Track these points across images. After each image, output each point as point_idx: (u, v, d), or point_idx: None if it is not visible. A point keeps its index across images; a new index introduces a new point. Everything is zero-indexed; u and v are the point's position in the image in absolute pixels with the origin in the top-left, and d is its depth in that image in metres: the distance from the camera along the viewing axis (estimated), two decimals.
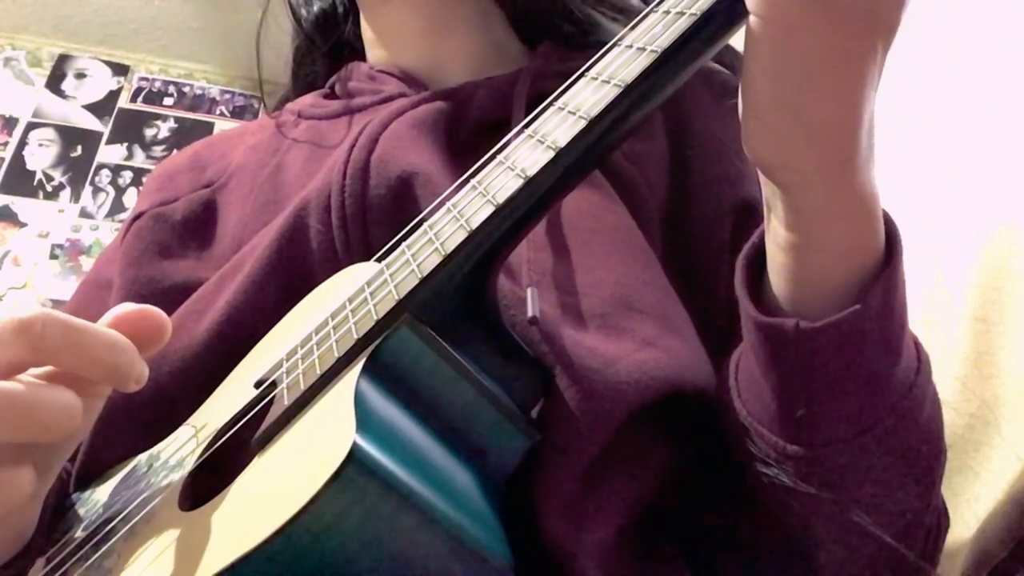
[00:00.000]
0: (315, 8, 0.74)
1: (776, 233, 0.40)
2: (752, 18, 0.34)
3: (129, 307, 0.39)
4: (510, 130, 0.45)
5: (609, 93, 0.38)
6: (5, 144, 2.25)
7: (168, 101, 2.47)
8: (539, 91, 0.44)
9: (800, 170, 0.36)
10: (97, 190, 2.26)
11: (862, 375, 0.39)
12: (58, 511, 0.49)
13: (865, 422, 0.40)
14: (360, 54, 0.71)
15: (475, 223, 0.39)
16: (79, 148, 2.30)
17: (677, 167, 0.57)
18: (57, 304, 2.07)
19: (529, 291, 0.44)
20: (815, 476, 0.41)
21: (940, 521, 0.48)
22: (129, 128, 2.38)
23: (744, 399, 0.44)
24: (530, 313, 0.42)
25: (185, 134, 2.37)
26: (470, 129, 0.58)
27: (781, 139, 0.36)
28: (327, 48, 0.74)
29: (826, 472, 0.41)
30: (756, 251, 0.43)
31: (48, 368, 0.36)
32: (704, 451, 0.55)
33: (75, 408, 0.35)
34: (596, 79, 0.40)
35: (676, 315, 0.49)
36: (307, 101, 0.68)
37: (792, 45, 0.33)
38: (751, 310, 0.40)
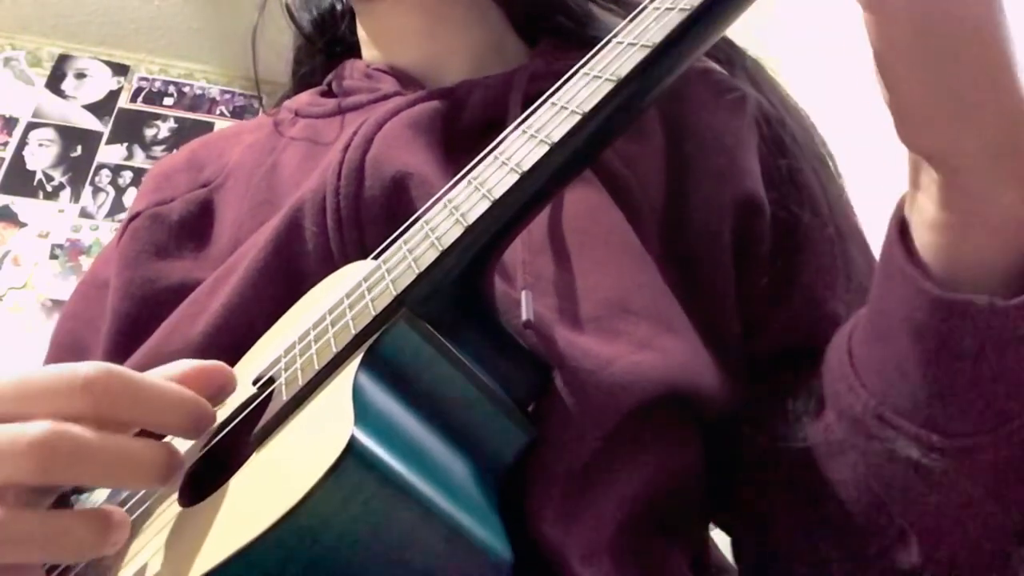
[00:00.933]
0: (313, 8, 0.74)
1: (927, 212, 0.37)
2: (875, 17, 0.33)
3: (199, 364, 0.40)
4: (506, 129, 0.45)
5: (602, 88, 0.38)
6: (5, 144, 2.25)
7: (168, 101, 2.47)
8: (537, 90, 0.44)
9: (967, 153, 0.35)
10: (97, 190, 2.26)
11: None
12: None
13: (1015, 411, 0.37)
14: (358, 51, 0.71)
15: (472, 218, 0.39)
16: (79, 148, 2.30)
17: (675, 167, 0.57)
18: (57, 304, 2.07)
19: (523, 294, 0.44)
20: (963, 468, 0.39)
21: None
22: (129, 128, 2.38)
23: (872, 388, 0.41)
24: (524, 316, 0.42)
25: (185, 134, 2.38)
26: (466, 128, 0.58)
27: (944, 126, 0.34)
28: (325, 47, 0.74)
29: (974, 464, 0.39)
30: (903, 226, 0.40)
31: None
32: (713, 450, 0.55)
33: (164, 458, 0.36)
34: (590, 75, 0.40)
35: (673, 316, 0.49)
36: (304, 99, 0.68)
37: (932, 25, 0.32)
38: (930, 287, 0.37)
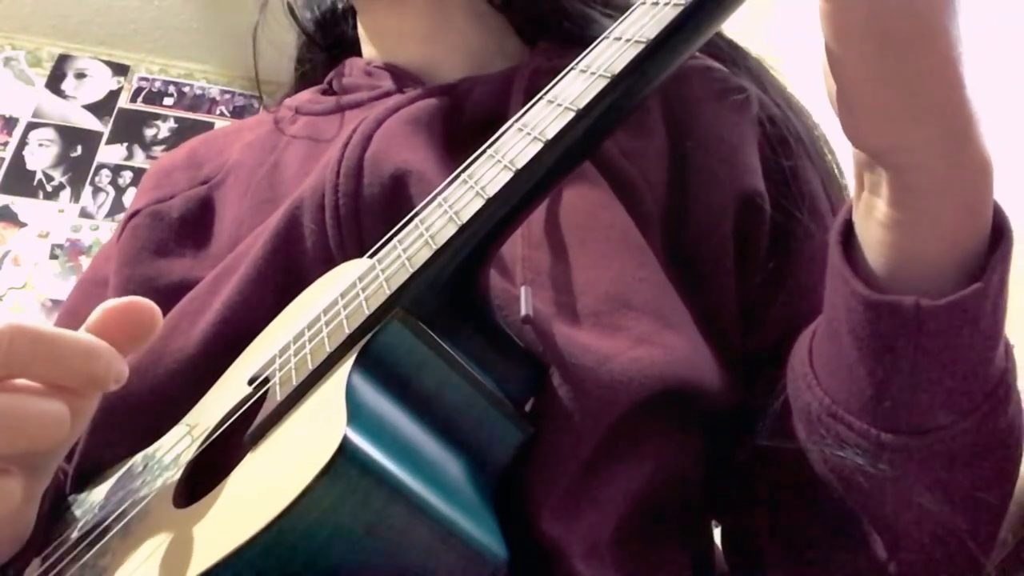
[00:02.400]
0: (315, 7, 0.74)
1: (877, 210, 0.38)
2: (827, 8, 0.33)
3: (115, 302, 0.39)
4: None
5: (596, 84, 0.38)
6: (5, 144, 2.26)
7: (168, 101, 2.47)
8: (538, 88, 0.44)
9: (914, 148, 0.35)
10: (97, 190, 2.26)
11: (970, 358, 0.37)
12: (55, 512, 0.49)
13: (964, 408, 0.38)
14: (360, 50, 0.71)
15: (465, 216, 0.39)
16: (79, 148, 2.30)
17: (676, 163, 0.56)
18: (57, 304, 2.07)
19: (523, 289, 0.44)
20: (911, 465, 0.39)
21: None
22: (129, 128, 2.38)
23: (826, 386, 0.42)
24: (523, 311, 0.42)
25: (185, 134, 2.38)
26: (466, 126, 0.58)
27: (892, 120, 0.34)
28: (327, 45, 0.74)
29: (922, 461, 0.39)
30: (847, 228, 0.40)
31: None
32: (716, 444, 0.55)
33: (62, 415, 0.34)
34: (585, 71, 0.40)
35: (673, 311, 0.49)
36: (305, 97, 0.68)
37: (887, 17, 0.32)
38: (860, 288, 0.38)
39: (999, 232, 0.37)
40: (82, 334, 0.37)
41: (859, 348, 0.39)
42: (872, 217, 0.38)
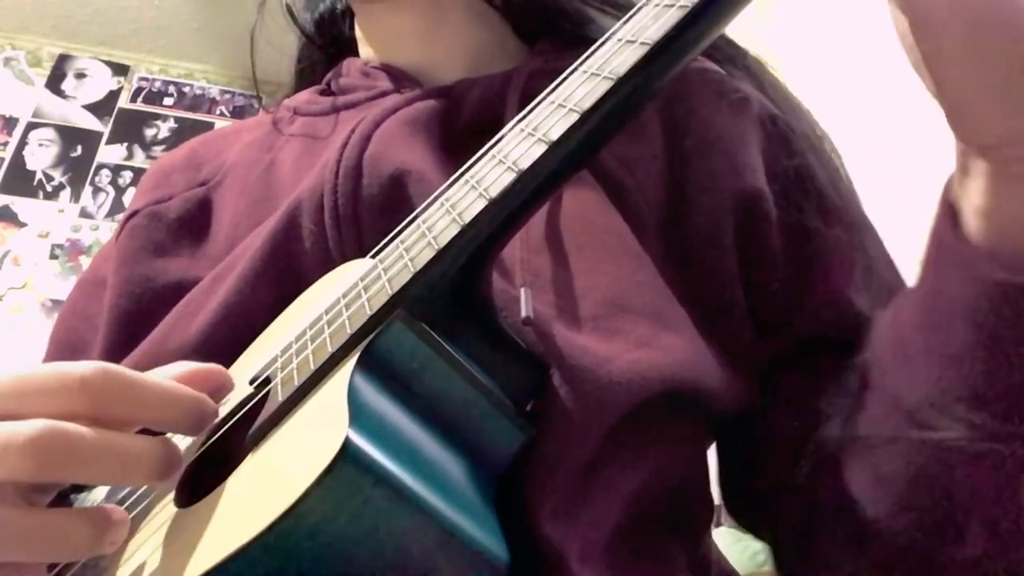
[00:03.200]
0: (314, 8, 0.74)
1: (974, 199, 0.37)
2: (921, 28, 0.33)
3: (200, 366, 0.40)
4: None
5: (601, 86, 0.38)
6: (5, 144, 2.26)
7: (168, 101, 2.48)
8: (535, 89, 0.44)
9: (1020, 141, 0.35)
10: (97, 190, 2.26)
11: None
12: None
13: None
14: (358, 50, 0.71)
15: (468, 217, 0.39)
16: (79, 148, 2.30)
17: (675, 167, 0.56)
18: (57, 304, 2.07)
19: (523, 291, 0.44)
20: (1019, 458, 0.38)
21: None
22: (129, 128, 2.38)
23: (926, 375, 0.41)
24: (523, 313, 0.42)
25: (185, 134, 2.38)
26: (464, 127, 0.57)
27: (1001, 121, 0.34)
28: (326, 46, 0.74)
29: None
30: (954, 213, 0.39)
31: None
32: (735, 450, 0.54)
33: (167, 456, 0.35)
34: (588, 72, 0.40)
35: (672, 314, 0.48)
36: (303, 97, 0.68)
37: (988, 34, 0.32)
38: (995, 271, 0.36)
39: None
40: (170, 381, 0.38)
41: (981, 335, 0.38)
42: (971, 206, 0.38)
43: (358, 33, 0.69)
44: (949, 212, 0.39)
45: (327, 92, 0.68)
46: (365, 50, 0.68)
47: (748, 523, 0.58)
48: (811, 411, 0.49)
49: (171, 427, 0.38)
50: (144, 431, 0.37)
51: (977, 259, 0.37)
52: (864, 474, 0.45)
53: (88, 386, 0.34)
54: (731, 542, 1.73)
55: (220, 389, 0.41)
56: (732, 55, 0.63)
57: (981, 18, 0.33)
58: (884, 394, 0.43)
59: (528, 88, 0.56)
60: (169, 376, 0.39)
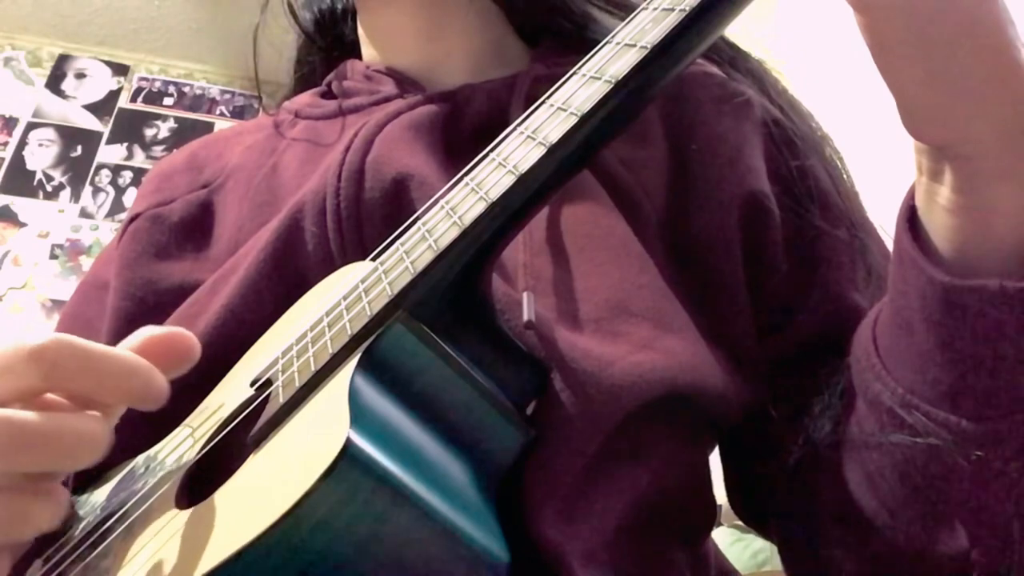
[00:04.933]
0: (315, 7, 0.74)
1: (940, 196, 0.37)
2: (865, 19, 0.33)
3: (156, 329, 0.39)
4: None
5: (600, 89, 0.38)
6: (5, 144, 2.26)
7: (168, 101, 2.48)
8: (538, 94, 0.44)
9: (977, 140, 0.35)
10: (97, 190, 2.26)
11: None
12: None
13: None
14: (359, 51, 0.71)
15: (468, 220, 0.39)
16: (79, 148, 2.30)
17: (678, 170, 0.56)
18: (57, 304, 2.07)
19: (525, 295, 0.44)
20: (997, 448, 0.38)
21: None
22: (129, 128, 2.38)
23: (898, 376, 0.41)
24: (526, 317, 0.42)
25: (185, 134, 2.38)
26: (467, 132, 0.58)
27: (951, 117, 0.34)
28: (326, 46, 0.74)
29: (1002, 446, 0.38)
30: (911, 214, 0.40)
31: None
32: (736, 451, 0.54)
33: (102, 434, 0.35)
34: (587, 76, 0.40)
35: (675, 317, 0.49)
36: (304, 100, 0.68)
37: (923, 24, 0.32)
38: (938, 275, 0.37)
39: None
40: (123, 351, 0.37)
41: (936, 335, 0.38)
42: (935, 203, 0.38)
43: (360, 33, 0.69)
44: (906, 214, 0.39)
45: (328, 94, 0.68)
46: (367, 51, 0.68)
47: (754, 523, 0.58)
48: (810, 411, 0.49)
49: (125, 399, 0.37)
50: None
51: (925, 261, 0.37)
52: (856, 474, 0.45)
53: (40, 357, 0.34)
54: (731, 541, 1.73)
55: (182, 351, 0.40)
56: (734, 57, 0.63)
57: (921, 7, 0.32)
58: (865, 395, 0.44)
59: (532, 94, 0.56)
60: (130, 345, 0.39)
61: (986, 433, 0.38)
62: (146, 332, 0.39)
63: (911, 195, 0.40)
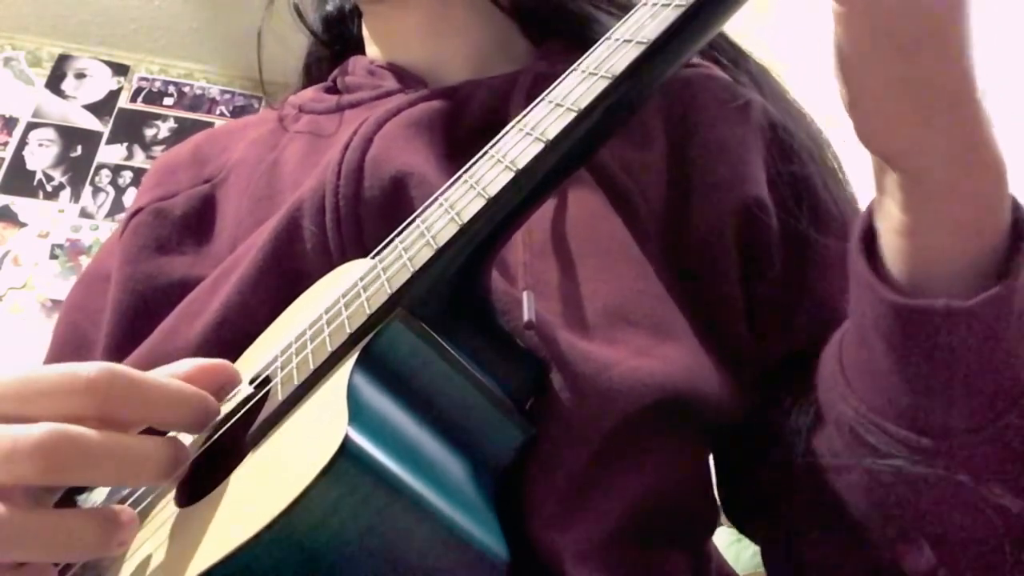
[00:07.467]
0: (322, 7, 0.74)
1: (892, 216, 0.38)
2: (840, 9, 0.33)
3: (207, 362, 0.41)
4: None
5: (598, 85, 0.38)
6: (5, 144, 2.26)
7: (168, 101, 2.48)
8: (540, 92, 0.44)
9: (924, 152, 0.35)
10: (97, 190, 2.26)
11: (1000, 356, 0.37)
12: None
13: (1001, 407, 0.37)
14: (365, 48, 0.71)
15: (466, 216, 0.39)
16: (79, 148, 2.30)
17: (677, 174, 0.56)
18: (57, 304, 2.07)
19: (525, 295, 0.44)
20: (958, 465, 0.38)
21: None
22: (129, 128, 2.38)
23: (860, 394, 0.41)
24: (526, 317, 0.42)
25: (185, 134, 2.38)
26: (468, 129, 0.57)
27: (902, 124, 0.34)
28: (333, 44, 0.74)
29: (962, 463, 0.38)
30: (868, 233, 0.40)
31: None
32: (728, 455, 0.54)
33: (168, 454, 0.36)
34: (586, 72, 0.40)
35: (673, 323, 0.49)
36: (308, 95, 0.68)
37: (894, 20, 0.32)
38: (888, 294, 0.37)
39: (1020, 230, 0.37)
40: (174, 381, 0.38)
41: (892, 354, 0.38)
42: (888, 223, 0.38)
43: (365, 32, 0.69)
44: (861, 233, 0.40)
45: (333, 90, 0.68)
46: (372, 49, 0.68)
47: (741, 527, 0.58)
48: (781, 435, 0.49)
49: (175, 426, 0.38)
50: (149, 430, 0.37)
51: (876, 281, 0.38)
52: (826, 493, 0.45)
53: (94, 387, 0.34)
54: (731, 541, 1.73)
55: (228, 383, 0.41)
56: (736, 58, 0.63)
57: (894, 8, 0.32)
58: (831, 413, 0.44)
59: (533, 91, 0.56)
60: (175, 374, 0.39)
61: (948, 451, 0.38)
62: (197, 362, 0.40)
63: (868, 215, 0.40)
